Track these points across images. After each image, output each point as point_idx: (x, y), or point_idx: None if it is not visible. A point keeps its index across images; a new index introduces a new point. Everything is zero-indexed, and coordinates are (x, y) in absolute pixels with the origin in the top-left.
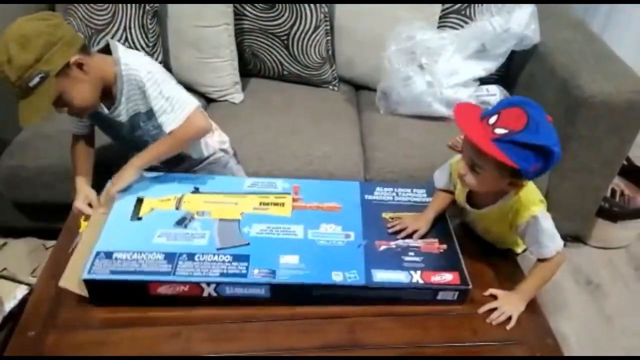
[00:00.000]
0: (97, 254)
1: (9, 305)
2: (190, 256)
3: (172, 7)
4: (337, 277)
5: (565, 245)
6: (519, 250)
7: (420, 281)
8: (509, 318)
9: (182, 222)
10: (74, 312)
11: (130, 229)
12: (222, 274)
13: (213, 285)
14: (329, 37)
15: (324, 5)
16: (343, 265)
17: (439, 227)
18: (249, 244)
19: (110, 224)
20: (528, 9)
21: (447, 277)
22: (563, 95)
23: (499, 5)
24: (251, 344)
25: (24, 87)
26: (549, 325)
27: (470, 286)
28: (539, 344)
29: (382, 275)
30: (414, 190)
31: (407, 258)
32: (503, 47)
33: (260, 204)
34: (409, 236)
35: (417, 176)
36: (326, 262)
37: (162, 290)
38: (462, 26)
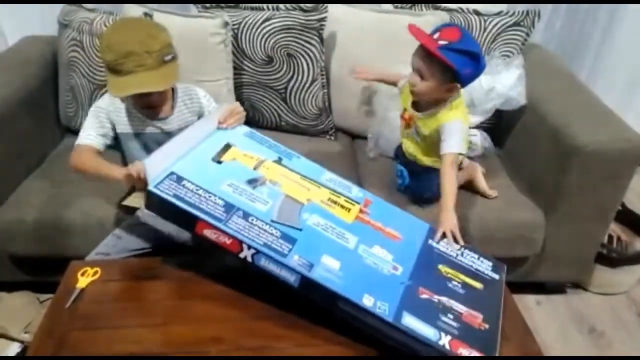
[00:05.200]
0: (171, 173)
1: None
2: (246, 215)
3: None
4: (368, 302)
5: (565, 292)
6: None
7: (447, 347)
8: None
9: (253, 182)
10: None
11: (207, 167)
12: (265, 244)
13: (253, 251)
14: (325, 90)
15: (320, 60)
16: (378, 293)
17: (490, 306)
18: (301, 229)
19: (195, 153)
20: (516, 71)
21: (476, 355)
22: (555, 144)
23: (492, 64)
24: None
25: (159, 59)
26: None
27: None
28: None
29: (411, 322)
30: (481, 258)
31: (443, 318)
32: (489, 104)
33: (329, 200)
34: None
35: None
36: (364, 282)
37: (207, 232)
38: None
